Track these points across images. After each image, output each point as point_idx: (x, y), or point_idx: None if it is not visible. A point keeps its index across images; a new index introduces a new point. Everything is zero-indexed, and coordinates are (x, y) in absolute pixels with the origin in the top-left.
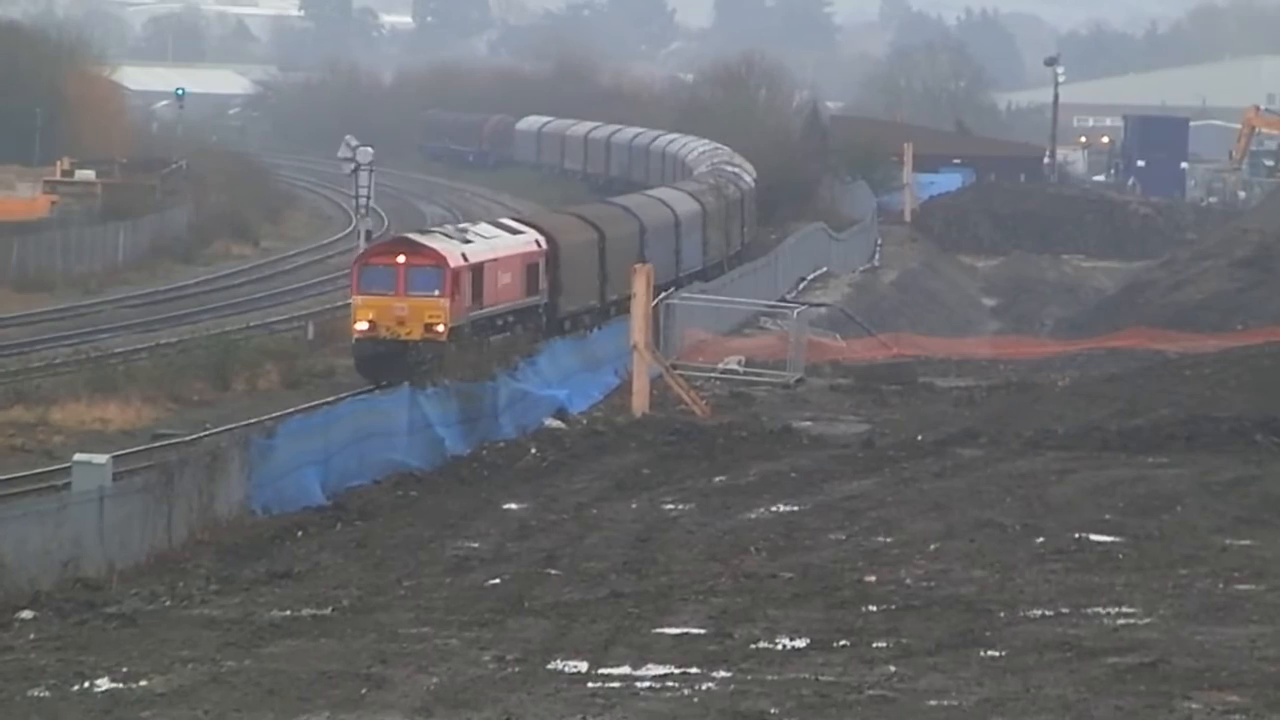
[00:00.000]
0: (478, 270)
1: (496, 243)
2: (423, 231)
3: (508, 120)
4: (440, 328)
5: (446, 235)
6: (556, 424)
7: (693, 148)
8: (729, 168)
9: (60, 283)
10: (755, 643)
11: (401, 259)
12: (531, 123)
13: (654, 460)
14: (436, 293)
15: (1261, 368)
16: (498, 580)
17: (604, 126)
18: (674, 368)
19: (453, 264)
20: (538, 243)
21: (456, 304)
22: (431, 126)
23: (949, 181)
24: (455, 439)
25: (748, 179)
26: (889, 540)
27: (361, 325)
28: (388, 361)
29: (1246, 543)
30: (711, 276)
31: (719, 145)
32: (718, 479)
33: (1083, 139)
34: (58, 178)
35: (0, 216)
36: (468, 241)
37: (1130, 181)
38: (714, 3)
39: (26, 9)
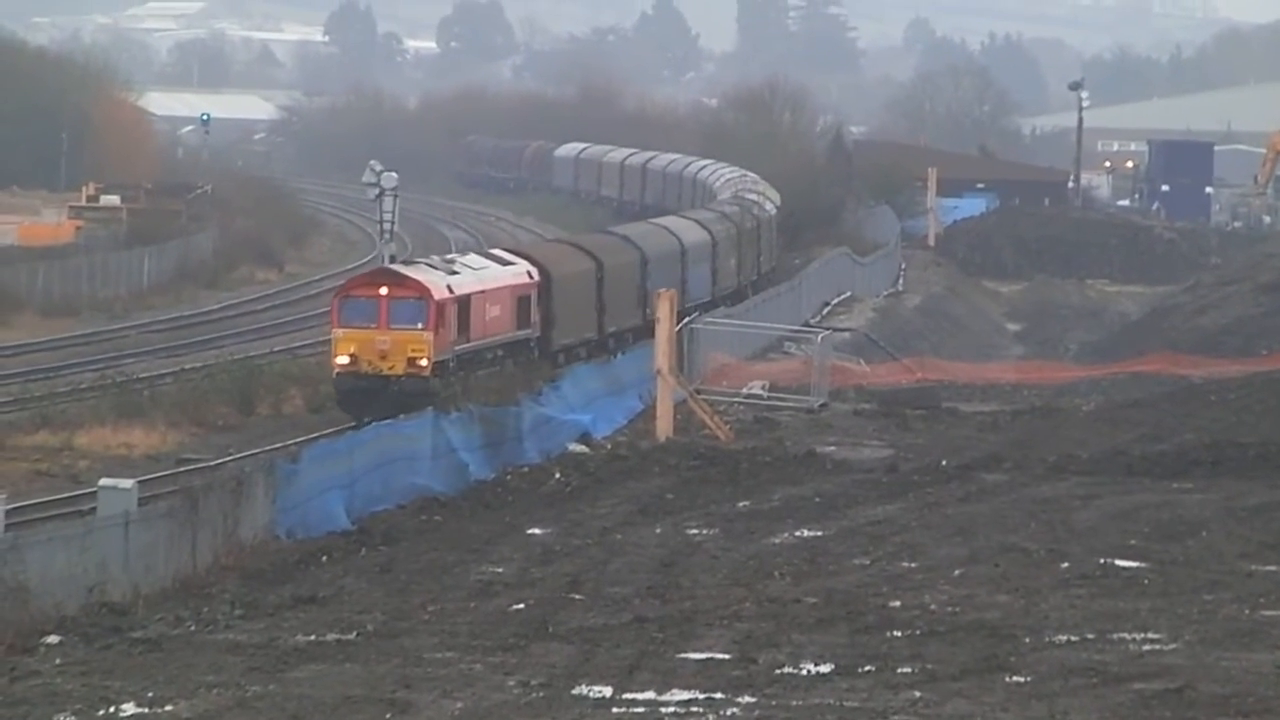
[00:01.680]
0: (464, 302)
1: (485, 274)
2: (406, 262)
3: (546, 147)
4: (424, 362)
5: (431, 266)
6: (580, 448)
7: (721, 174)
8: (749, 195)
9: (86, 308)
10: (780, 668)
11: (384, 291)
12: (570, 149)
13: (678, 485)
14: (420, 326)
15: None
16: (522, 605)
17: (640, 153)
18: (698, 392)
19: (437, 296)
20: (529, 274)
21: (441, 338)
22: (471, 153)
23: (973, 206)
24: (479, 464)
25: (769, 206)
26: (913, 565)
27: (342, 359)
28: (370, 397)
29: (1272, 568)
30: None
31: (745, 172)
32: (741, 504)
33: (1107, 163)
34: (83, 203)
35: (26, 242)
36: (454, 273)
37: (1155, 206)
38: (738, 27)
39: (53, 35)
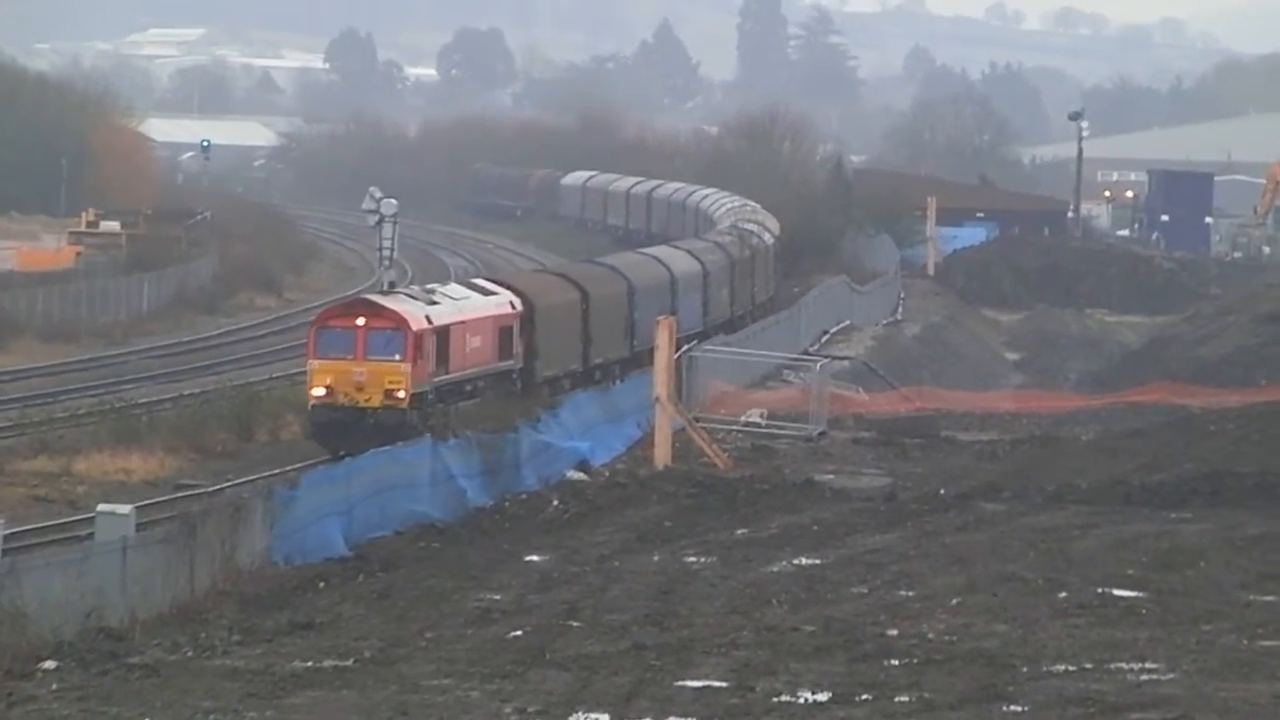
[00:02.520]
0: (443, 333)
1: (466, 304)
2: (384, 292)
3: (553, 175)
4: (401, 394)
5: (410, 296)
6: (579, 476)
7: (723, 203)
8: (746, 225)
9: (85, 333)
10: (777, 696)
11: (360, 321)
12: (576, 178)
13: (676, 512)
14: (397, 357)
15: None
16: (519, 632)
17: (645, 181)
18: (696, 420)
19: (415, 327)
20: (512, 304)
21: (419, 369)
22: (477, 181)
23: (972, 235)
24: (477, 490)
25: (767, 236)
26: (911, 594)
27: (318, 391)
28: (345, 430)
29: (1270, 598)
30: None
31: (747, 201)
32: (739, 532)
33: (1107, 193)
34: (83, 229)
35: (26, 267)
36: (434, 303)
37: (1154, 236)
38: (738, 55)
39: (54, 61)
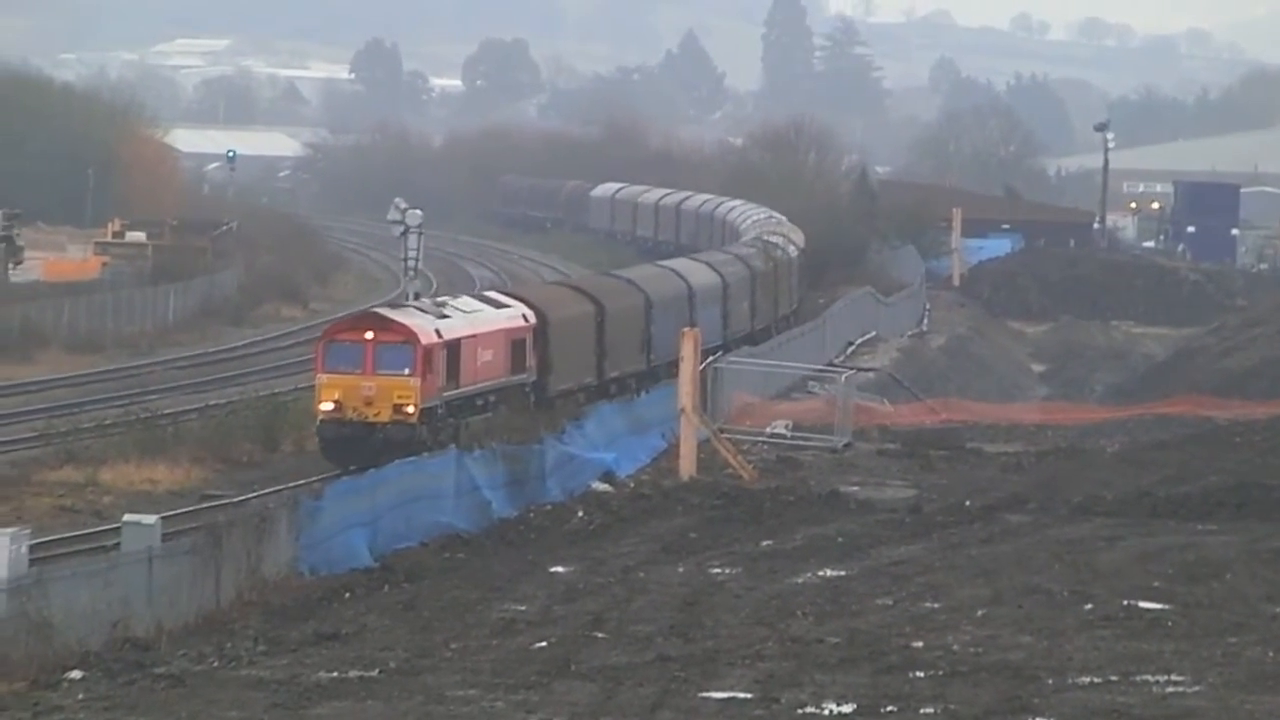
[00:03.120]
0: (454, 347)
1: (477, 317)
2: (394, 305)
3: (583, 187)
4: (410, 409)
5: (421, 310)
6: (604, 487)
7: (749, 215)
8: (769, 236)
9: (110, 344)
10: (802, 707)
11: (369, 335)
12: (606, 189)
13: (701, 524)
14: (406, 371)
15: None
16: (544, 643)
17: (675, 193)
18: (721, 431)
19: (424, 341)
20: (525, 317)
21: (429, 383)
22: (508, 192)
23: (998, 246)
24: (502, 501)
25: (790, 248)
26: (936, 606)
27: (326, 406)
28: (354, 445)
29: None
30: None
31: (773, 213)
32: (765, 543)
33: (1133, 205)
34: (109, 239)
35: (52, 277)
36: (444, 316)
37: (1180, 247)
38: (763, 66)
39: (80, 72)
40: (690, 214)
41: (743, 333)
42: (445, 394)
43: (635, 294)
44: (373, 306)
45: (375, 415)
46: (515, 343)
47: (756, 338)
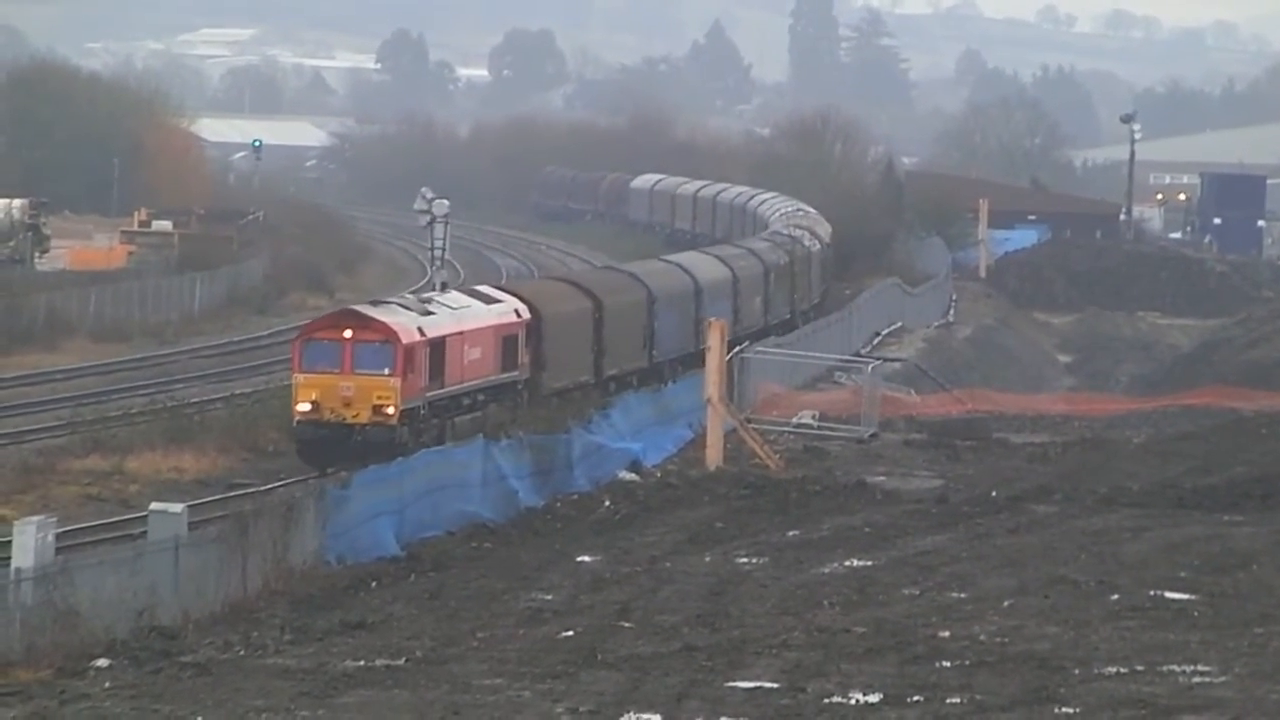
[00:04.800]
0: (438, 345)
1: (465, 314)
2: (375, 303)
3: (623, 179)
4: (390, 410)
5: (404, 306)
6: (630, 477)
7: (778, 207)
8: (788, 230)
9: (137, 333)
10: (828, 697)
11: (348, 334)
12: (645, 181)
13: (727, 514)
14: (386, 371)
15: None
16: (570, 632)
17: (712, 185)
18: (748, 421)
19: (405, 339)
20: (517, 312)
21: (410, 383)
22: (549, 184)
23: (1024, 238)
24: (529, 491)
25: (811, 241)
26: (963, 596)
27: (304, 406)
28: (332, 446)
29: None
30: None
31: (801, 206)
32: (791, 533)
33: (1159, 196)
34: (135, 228)
35: (78, 266)
36: (429, 313)
37: (1207, 239)
38: (790, 57)
39: (106, 61)
40: (725, 206)
41: (755, 328)
42: (428, 394)
43: (637, 289)
44: (411, 292)
45: (354, 416)
46: (506, 339)
47: (771, 333)
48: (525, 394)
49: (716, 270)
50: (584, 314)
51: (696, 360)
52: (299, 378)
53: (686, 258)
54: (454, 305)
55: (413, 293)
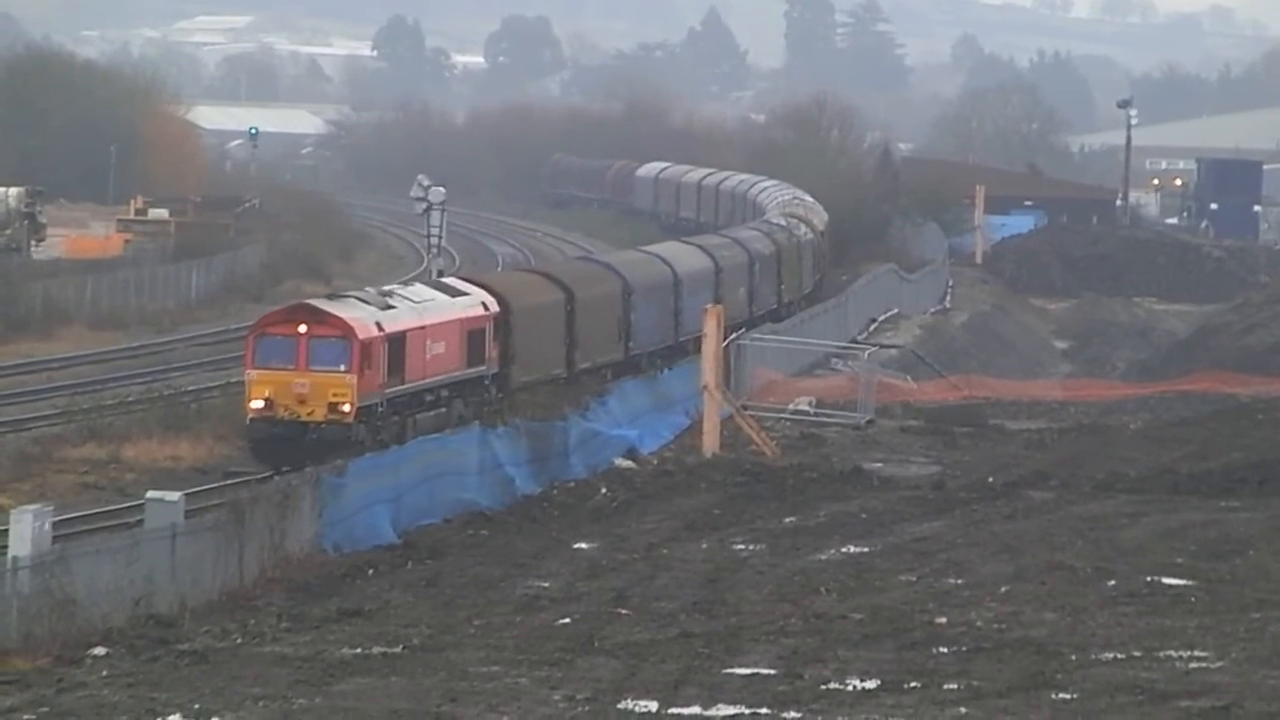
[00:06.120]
0: (397, 340)
1: (428, 307)
2: (332, 296)
3: (629, 167)
4: (346, 407)
5: (362, 300)
6: (627, 464)
7: (776, 195)
8: (778, 219)
9: (133, 321)
10: (825, 684)
11: (303, 329)
12: (650, 169)
13: (724, 500)
14: (342, 368)
15: None
16: (568, 619)
17: (716, 173)
18: (744, 408)
19: (362, 335)
20: (485, 305)
21: (367, 379)
22: (558, 172)
23: (1020, 224)
24: (525, 478)
25: (804, 230)
26: (959, 582)
27: (257, 403)
28: (286, 445)
29: None
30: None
31: (799, 194)
32: (788, 520)
33: (1155, 181)
34: (131, 216)
35: (74, 254)
36: (389, 307)
37: (1203, 224)
38: (786, 43)
39: (102, 48)
40: (727, 194)
41: (740, 319)
42: (387, 391)
43: (613, 280)
44: (407, 280)
45: (309, 414)
46: (472, 333)
47: (756, 324)
48: (493, 389)
49: (697, 260)
50: (555, 306)
51: (676, 353)
52: (252, 374)
53: (666, 248)
54: (416, 299)
55: (405, 281)
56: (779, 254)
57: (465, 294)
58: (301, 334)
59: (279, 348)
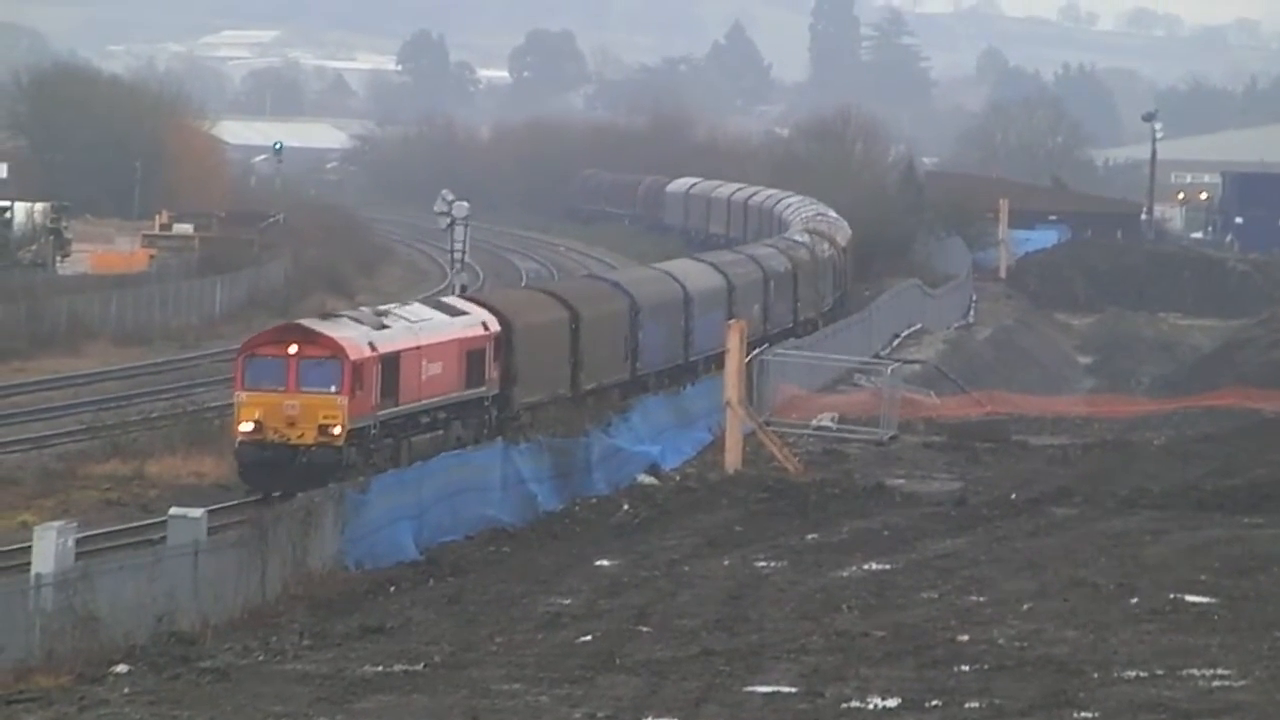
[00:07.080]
0: (391, 361)
1: (424, 327)
2: (324, 316)
3: (660, 182)
4: (337, 430)
5: (356, 320)
6: (649, 480)
7: (800, 211)
8: (798, 235)
9: (158, 336)
10: (847, 702)
11: (293, 349)
12: (680, 185)
13: (746, 517)
14: (333, 389)
15: None
16: (589, 637)
17: (744, 188)
18: (767, 424)
19: (353, 355)
20: (485, 325)
21: (358, 402)
22: (588, 188)
23: (1045, 238)
24: (548, 495)
25: (825, 245)
26: (982, 599)
27: (246, 426)
28: (276, 468)
29: None
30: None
31: (823, 210)
32: (810, 536)
33: (1180, 195)
34: (156, 231)
35: (100, 270)
36: (383, 327)
37: (1228, 238)
38: (810, 57)
39: (128, 63)
40: (755, 210)
41: (753, 337)
42: (380, 413)
43: (619, 299)
44: (431, 295)
45: (299, 437)
46: (471, 354)
47: (771, 343)
48: (493, 410)
49: (709, 278)
50: (559, 325)
51: (686, 372)
52: (241, 396)
53: (678, 265)
54: (412, 318)
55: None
56: (795, 271)
57: (465, 313)
58: (292, 355)
59: (269, 369)
